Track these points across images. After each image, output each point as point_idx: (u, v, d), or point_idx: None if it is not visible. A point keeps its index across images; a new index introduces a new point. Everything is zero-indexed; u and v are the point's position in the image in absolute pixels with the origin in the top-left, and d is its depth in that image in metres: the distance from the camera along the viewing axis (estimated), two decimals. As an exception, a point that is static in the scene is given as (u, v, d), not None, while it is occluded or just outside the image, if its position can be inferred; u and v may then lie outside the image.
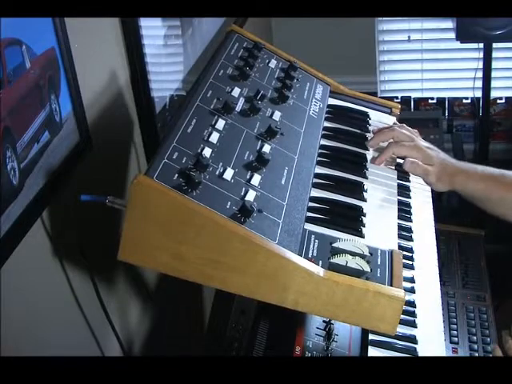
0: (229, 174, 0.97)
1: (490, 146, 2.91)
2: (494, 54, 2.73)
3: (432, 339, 1.15)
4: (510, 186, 1.29)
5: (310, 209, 1.05)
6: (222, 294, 1.09)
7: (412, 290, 1.22)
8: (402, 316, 0.97)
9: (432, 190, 1.36)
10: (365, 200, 1.12)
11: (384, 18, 3.08)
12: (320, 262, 0.94)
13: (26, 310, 1.08)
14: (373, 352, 1.11)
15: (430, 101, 3.14)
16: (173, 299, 1.76)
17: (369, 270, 0.94)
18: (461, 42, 2.73)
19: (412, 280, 1.17)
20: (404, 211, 1.21)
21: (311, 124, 1.24)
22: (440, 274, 1.23)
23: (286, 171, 1.07)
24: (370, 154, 1.26)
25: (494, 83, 2.81)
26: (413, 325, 1.17)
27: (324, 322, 1.23)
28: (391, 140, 1.29)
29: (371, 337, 1.13)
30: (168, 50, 1.67)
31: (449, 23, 2.94)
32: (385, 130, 1.31)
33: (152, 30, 1.52)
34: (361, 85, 2.62)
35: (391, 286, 0.94)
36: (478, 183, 1.30)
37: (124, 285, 1.50)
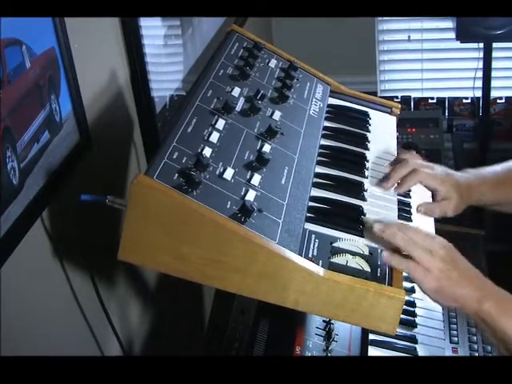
0: (229, 173, 0.97)
1: (490, 146, 2.91)
2: (494, 54, 2.73)
3: (432, 339, 1.16)
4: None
5: (310, 208, 1.05)
6: (222, 293, 1.09)
7: (412, 290, 1.23)
8: (402, 316, 0.97)
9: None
10: (365, 200, 1.12)
11: (384, 18, 3.08)
12: (320, 262, 0.94)
13: (25, 310, 1.08)
14: (373, 352, 1.11)
15: (429, 100, 3.14)
16: (173, 299, 1.76)
17: (369, 270, 0.94)
18: (461, 42, 2.73)
19: (412, 280, 1.17)
20: (404, 211, 1.21)
21: (311, 124, 1.24)
22: (440, 273, 1.23)
23: (286, 171, 1.07)
24: (370, 154, 1.26)
25: (494, 83, 2.81)
26: (413, 325, 1.17)
27: (324, 321, 1.23)
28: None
29: (371, 336, 1.13)
30: (168, 50, 1.67)
31: (449, 23, 2.94)
32: (400, 165, 1.21)
33: (152, 29, 1.52)
34: (361, 85, 2.61)
35: (391, 285, 0.94)
36: (491, 192, 1.26)
37: (124, 285, 1.50)
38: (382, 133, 1.34)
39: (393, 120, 1.42)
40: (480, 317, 0.95)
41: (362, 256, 0.96)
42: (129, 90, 1.45)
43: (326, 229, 1.02)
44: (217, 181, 0.95)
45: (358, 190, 1.13)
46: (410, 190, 1.28)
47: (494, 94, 2.92)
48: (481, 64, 2.79)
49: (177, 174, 0.91)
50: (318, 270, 0.91)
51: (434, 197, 1.25)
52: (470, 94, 3.07)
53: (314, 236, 0.99)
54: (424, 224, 1.24)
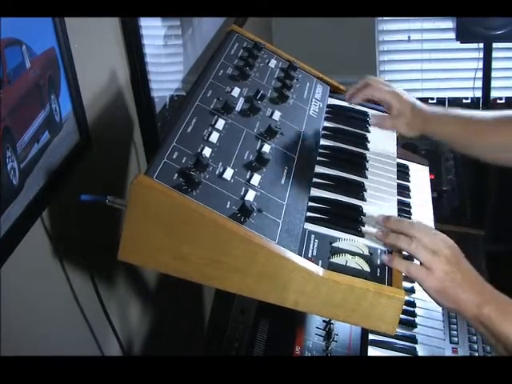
0: (229, 173, 0.97)
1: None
2: (494, 54, 2.73)
3: (432, 339, 1.16)
4: (477, 130, 1.28)
5: (309, 208, 1.05)
6: (222, 293, 1.09)
7: (412, 290, 1.23)
8: (402, 316, 0.97)
9: (432, 190, 1.37)
10: (365, 200, 1.12)
11: (384, 18, 3.08)
12: (320, 262, 0.94)
13: (25, 310, 1.08)
14: (373, 352, 1.11)
15: (429, 101, 3.13)
16: (173, 299, 1.76)
17: (368, 270, 0.94)
18: (461, 42, 2.73)
19: (412, 280, 1.18)
20: (404, 211, 1.21)
21: (311, 124, 1.24)
22: (440, 273, 1.23)
23: (285, 171, 1.07)
24: (369, 154, 1.26)
25: (493, 83, 2.81)
26: (413, 325, 1.17)
27: (324, 321, 1.23)
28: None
29: (371, 336, 1.13)
30: (168, 50, 1.67)
31: (449, 23, 2.94)
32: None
33: (152, 29, 1.52)
34: (361, 85, 2.61)
35: (391, 285, 0.94)
36: (446, 127, 1.29)
37: (124, 285, 1.50)
38: (382, 133, 1.34)
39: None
40: (479, 320, 0.95)
41: (362, 256, 0.96)
42: (129, 90, 1.45)
43: (326, 229, 1.02)
44: (216, 181, 0.95)
45: (357, 190, 1.14)
46: (409, 189, 1.28)
47: (493, 94, 2.92)
48: (481, 64, 2.79)
49: (176, 174, 0.91)
50: (317, 270, 0.91)
51: (389, 112, 1.33)
52: (470, 94, 3.07)
53: (313, 236, 0.99)
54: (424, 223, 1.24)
